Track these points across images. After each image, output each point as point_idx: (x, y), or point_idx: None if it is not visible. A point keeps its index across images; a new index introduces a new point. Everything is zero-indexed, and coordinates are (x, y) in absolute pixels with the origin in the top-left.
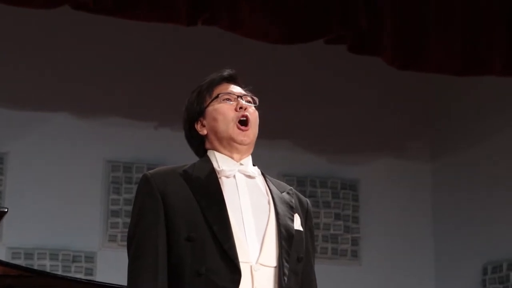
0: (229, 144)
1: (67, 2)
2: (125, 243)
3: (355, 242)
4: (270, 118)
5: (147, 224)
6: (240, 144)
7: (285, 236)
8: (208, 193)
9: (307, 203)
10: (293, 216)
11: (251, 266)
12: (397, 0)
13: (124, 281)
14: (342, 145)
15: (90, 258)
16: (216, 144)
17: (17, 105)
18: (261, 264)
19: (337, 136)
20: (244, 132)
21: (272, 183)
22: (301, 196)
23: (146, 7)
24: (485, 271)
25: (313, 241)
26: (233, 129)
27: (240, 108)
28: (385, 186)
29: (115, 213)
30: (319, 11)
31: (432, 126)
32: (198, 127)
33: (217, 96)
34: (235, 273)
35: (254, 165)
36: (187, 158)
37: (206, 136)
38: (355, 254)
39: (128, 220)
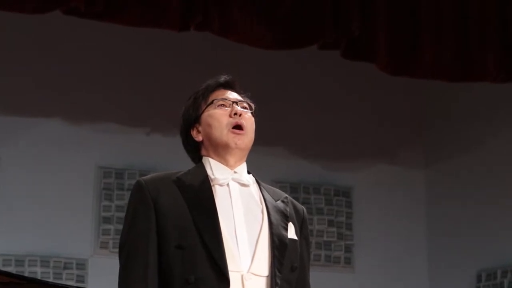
0: (224, 150)
1: (59, 7)
2: (117, 250)
3: (348, 249)
4: (263, 124)
5: (138, 232)
6: (234, 148)
7: (277, 245)
8: (200, 201)
9: (303, 211)
10: (287, 225)
11: (242, 276)
12: (390, 6)
13: None
14: (336, 151)
15: (81, 265)
16: (211, 150)
17: (8, 111)
18: (252, 274)
19: (330, 142)
20: (238, 136)
21: (267, 191)
22: (297, 204)
23: (138, 12)
24: (479, 278)
25: (308, 249)
26: (227, 135)
27: (235, 114)
28: (379, 192)
29: (106, 220)
30: (312, 16)
31: (427, 133)
32: (193, 133)
33: (211, 102)
34: (224, 282)
35: (249, 172)
36: (179, 164)
37: (201, 142)
38: (348, 261)
39: (120, 227)
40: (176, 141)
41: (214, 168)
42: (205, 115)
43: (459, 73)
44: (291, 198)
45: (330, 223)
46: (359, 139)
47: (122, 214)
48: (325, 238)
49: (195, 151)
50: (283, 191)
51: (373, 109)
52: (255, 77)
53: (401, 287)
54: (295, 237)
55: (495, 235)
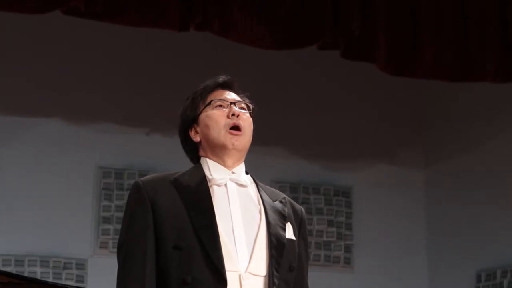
0: (221, 151)
1: (59, 7)
2: (116, 250)
3: (348, 249)
4: (263, 125)
5: (136, 233)
6: (232, 148)
7: (275, 245)
8: (198, 202)
9: (301, 211)
10: (285, 225)
11: (239, 275)
12: (390, 6)
13: None
14: (336, 151)
15: (81, 265)
16: (209, 151)
17: (8, 111)
18: (250, 273)
19: (330, 142)
20: (236, 136)
21: (265, 191)
22: (295, 204)
23: (137, 12)
24: (479, 278)
25: (307, 249)
26: (224, 136)
27: (233, 115)
28: (379, 192)
29: (106, 220)
30: (312, 16)
31: (427, 133)
32: (192, 134)
33: (209, 103)
34: (221, 282)
35: (247, 173)
36: (179, 164)
37: (199, 143)
38: (348, 261)
39: (119, 227)
40: (176, 141)
41: (212, 168)
42: (203, 116)
43: (459, 73)
44: (289, 199)
45: (330, 223)
46: (359, 139)
47: (121, 214)
48: (324, 238)
49: (194, 151)
50: (283, 191)
51: (373, 109)
52: (255, 77)
53: (401, 287)
54: (293, 237)
55: (495, 235)
